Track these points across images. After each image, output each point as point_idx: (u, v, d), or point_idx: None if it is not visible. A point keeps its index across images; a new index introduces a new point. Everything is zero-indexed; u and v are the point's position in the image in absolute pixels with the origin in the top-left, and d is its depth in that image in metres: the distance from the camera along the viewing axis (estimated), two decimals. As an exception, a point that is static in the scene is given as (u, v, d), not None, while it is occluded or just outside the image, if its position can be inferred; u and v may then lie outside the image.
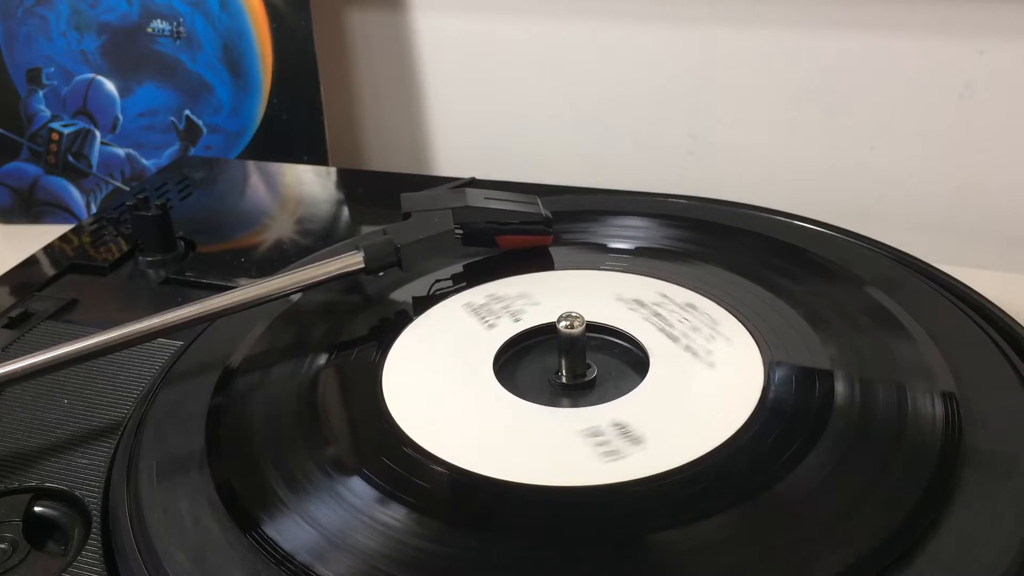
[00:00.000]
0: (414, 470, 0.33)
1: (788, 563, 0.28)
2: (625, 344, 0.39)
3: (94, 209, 0.70)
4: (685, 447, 0.33)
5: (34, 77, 0.68)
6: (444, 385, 0.37)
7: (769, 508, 0.30)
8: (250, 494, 0.33)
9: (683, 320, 0.40)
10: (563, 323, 0.37)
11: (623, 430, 0.34)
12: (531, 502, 0.31)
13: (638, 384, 0.36)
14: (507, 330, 0.40)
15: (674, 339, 0.38)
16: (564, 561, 0.29)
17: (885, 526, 0.29)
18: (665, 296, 0.41)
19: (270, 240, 0.54)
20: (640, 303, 0.41)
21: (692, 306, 0.41)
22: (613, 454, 0.33)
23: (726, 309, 0.40)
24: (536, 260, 0.45)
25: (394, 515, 0.31)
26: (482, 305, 0.42)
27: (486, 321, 0.41)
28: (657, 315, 0.40)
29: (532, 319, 0.40)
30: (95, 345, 0.38)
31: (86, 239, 0.55)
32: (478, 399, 0.36)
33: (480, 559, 0.29)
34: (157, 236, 0.52)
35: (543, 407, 0.36)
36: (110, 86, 0.68)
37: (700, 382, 0.36)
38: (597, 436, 0.34)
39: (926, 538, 0.29)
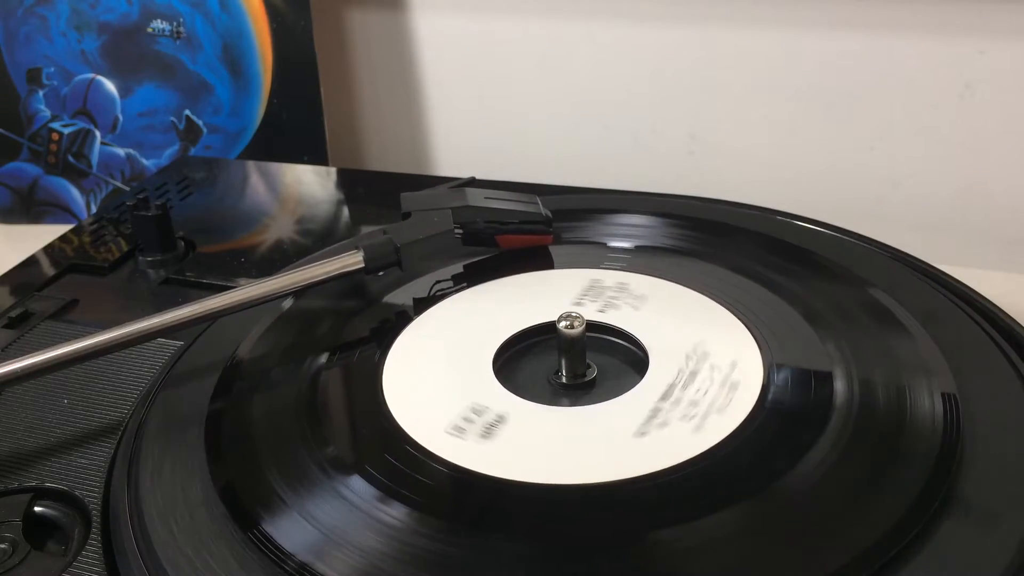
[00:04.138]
0: (414, 469, 0.33)
1: (787, 561, 0.28)
2: (625, 344, 0.39)
3: (94, 209, 0.70)
4: (685, 445, 0.33)
5: (34, 77, 0.68)
6: (445, 384, 0.37)
7: (768, 506, 0.30)
8: (251, 493, 0.33)
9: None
10: (563, 323, 0.37)
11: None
12: (531, 500, 0.31)
13: (638, 383, 0.36)
14: (507, 329, 0.40)
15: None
16: (564, 559, 0.29)
17: (884, 525, 0.29)
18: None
19: (270, 240, 0.54)
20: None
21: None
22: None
23: (726, 308, 0.40)
24: (536, 260, 0.45)
25: (395, 514, 0.31)
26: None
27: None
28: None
29: (531, 319, 0.40)
30: (95, 345, 0.38)
31: (86, 239, 0.55)
32: (479, 398, 0.36)
33: (480, 557, 0.29)
34: (157, 236, 0.52)
35: (543, 406, 0.36)
36: (110, 86, 0.68)
37: (700, 381, 0.36)
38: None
39: (925, 537, 0.29)
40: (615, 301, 0.41)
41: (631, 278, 0.43)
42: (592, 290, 0.42)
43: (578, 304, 0.41)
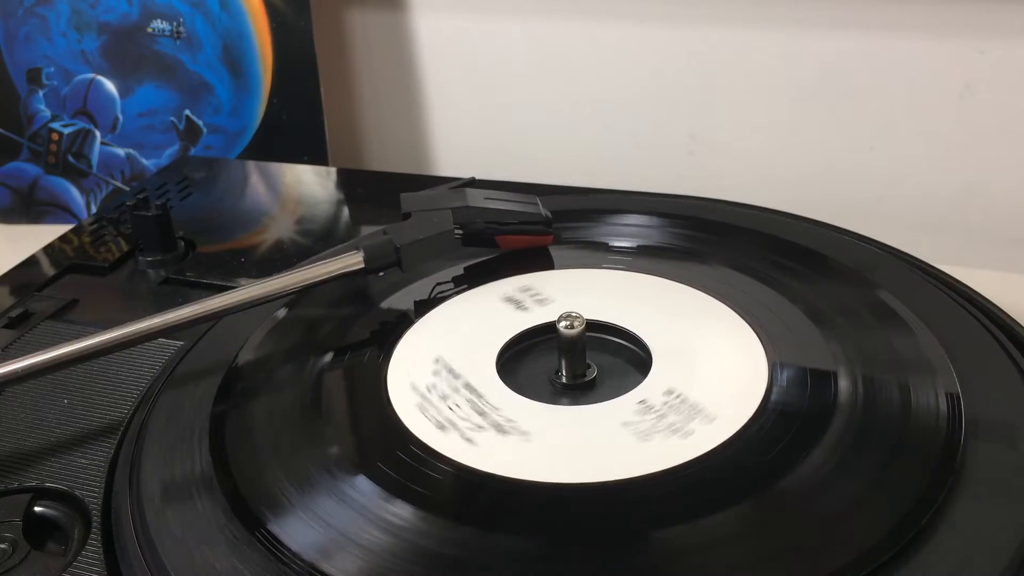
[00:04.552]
0: (420, 468, 0.33)
1: (791, 560, 0.28)
2: (627, 343, 0.39)
3: (94, 209, 0.70)
4: (688, 445, 0.33)
5: (34, 77, 0.68)
6: (447, 384, 0.37)
7: (771, 505, 0.30)
8: (255, 493, 0.32)
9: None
10: (563, 323, 0.37)
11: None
12: (535, 500, 0.31)
13: (640, 383, 0.36)
14: (510, 329, 0.40)
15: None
16: (568, 558, 0.29)
17: (887, 524, 0.29)
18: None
19: (270, 240, 0.54)
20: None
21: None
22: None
23: (729, 306, 0.40)
24: (536, 260, 0.45)
25: (400, 513, 0.31)
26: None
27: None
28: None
29: (539, 316, 0.40)
30: (95, 345, 0.38)
31: (86, 239, 0.55)
32: (481, 398, 0.36)
33: (486, 557, 0.29)
34: (157, 236, 0.52)
35: (545, 405, 0.36)
36: (110, 86, 0.68)
37: (702, 380, 0.36)
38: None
39: (928, 536, 0.29)
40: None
41: (632, 276, 0.43)
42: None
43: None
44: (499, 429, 0.34)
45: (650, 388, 0.36)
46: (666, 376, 0.36)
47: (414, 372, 0.38)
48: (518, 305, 0.41)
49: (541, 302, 0.41)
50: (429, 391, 0.37)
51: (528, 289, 0.43)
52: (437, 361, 0.38)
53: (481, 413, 0.35)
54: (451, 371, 0.38)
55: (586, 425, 0.35)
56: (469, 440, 0.34)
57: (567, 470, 0.32)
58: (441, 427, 0.35)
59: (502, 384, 0.37)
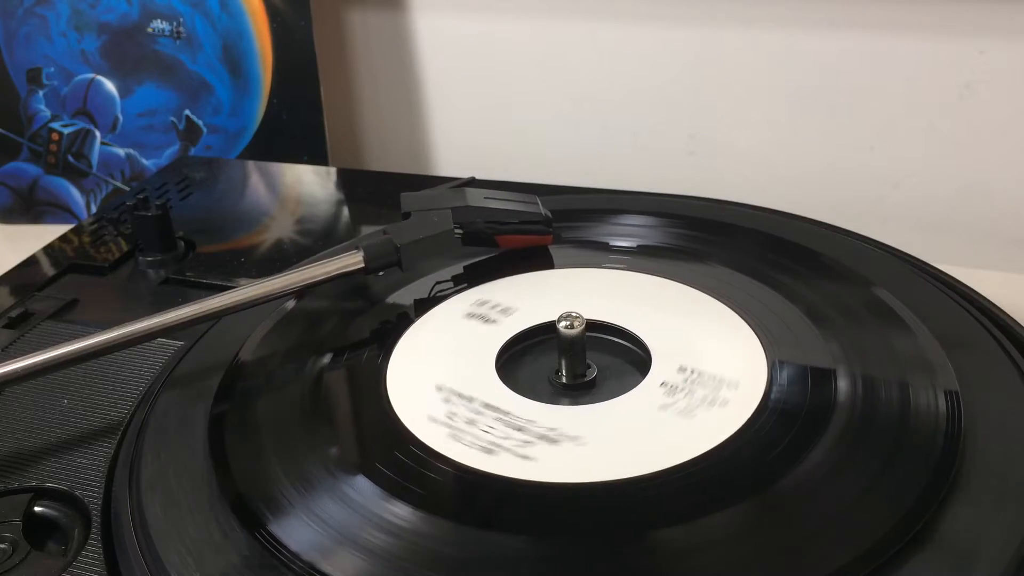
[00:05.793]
0: (420, 469, 0.33)
1: (790, 559, 0.28)
2: (627, 344, 0.39)
3: (94, 209, 0.70)
4: (687, 444, 0.33)
5: (34, 77, 0.68)
6: (447, 384, 0.37)
7: (772, 504, 0.30)
8: (256, 494, 0.32)
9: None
10: (563, 323, 0.37)
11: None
12: (535, 499, 0.31)
13: (639, 383, 0.36)
14: (509, 329, 0.40)
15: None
16: (568, 558, 0.29)
17: (886, 523, 0.29)
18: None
19: (270, 240, 0.54)
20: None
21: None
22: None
23: (728, 306, 0.40)
24: (536, 260, 0.45)
25: (400, 514, 0.31)
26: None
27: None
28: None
29: (532, 318, 0.40)
30: (95, 345, 0.38)
31: (86, 239, 0.55)
32: (482, 399, 0.36)
33: (485, 556, 0.29)
34: (157, 236, 0.52)
35: (545, 405, 0.36)
36: (110, 86, 0.68)
37: (704, 380, 0.36)
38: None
39: (927, 535, 0.29)
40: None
41: (633, 276, 0.43)
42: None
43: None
44: (548, 440, 0.34)
45: (650, 388, 0.36)
46: (666, 376, 0.36)
47: (422, 404, 0.36)
48: (484, 319, 0.41)
49: (505, 312, 0.41)
50: (452, 419, 0.35)
51: (485, 303, 0.42)
52: (440, 389, 0.37)
53: (519, 428, 0.35)
54: (460, 395, 0.37)
55: (626, 417, 0.34)
56: (525, 457, 0.33)
57: (565, 470, 0.32)
58: (488, 451, 0.34)
59: (518, 396, 0.36)
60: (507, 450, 0.33)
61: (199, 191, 0.60)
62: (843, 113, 0.60)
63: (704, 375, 0.36)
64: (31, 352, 0.37)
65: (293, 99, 0.67)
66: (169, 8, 0.66)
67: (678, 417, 0.34)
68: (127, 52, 0.67)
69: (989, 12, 0.54)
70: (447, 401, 0.36)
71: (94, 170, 0.69)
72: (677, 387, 0.36)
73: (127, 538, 0.32)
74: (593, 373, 0.38)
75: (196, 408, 0.37)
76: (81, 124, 0.68)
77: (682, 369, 0.36)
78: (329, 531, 0.30)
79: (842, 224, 0.47)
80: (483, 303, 0.42)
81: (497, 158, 0.70)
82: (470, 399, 0.36)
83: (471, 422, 0.35)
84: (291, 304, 0.44)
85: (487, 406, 0.36)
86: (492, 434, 0.34)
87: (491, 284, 0.44)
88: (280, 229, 0.55)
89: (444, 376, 0.38)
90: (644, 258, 0.45)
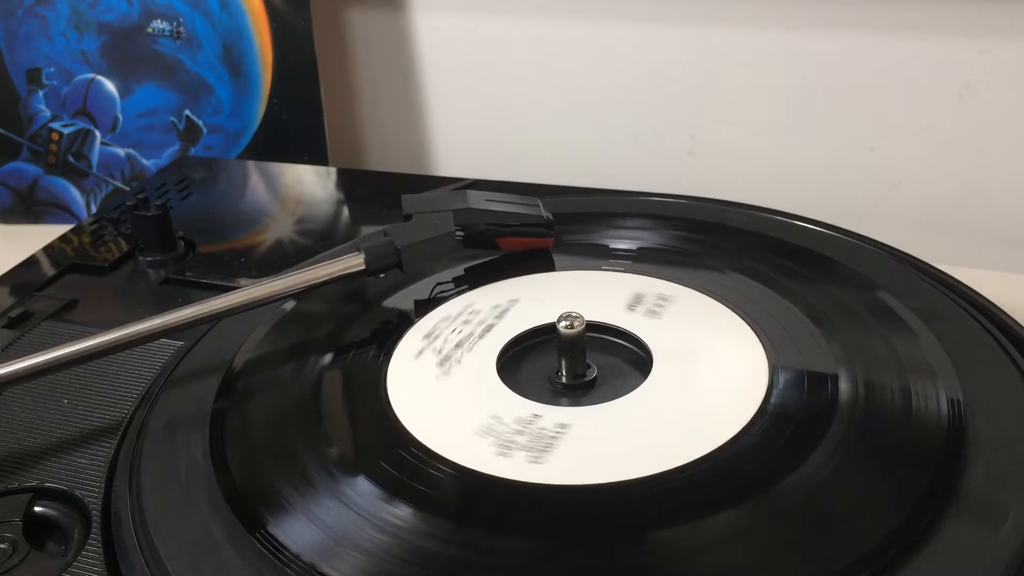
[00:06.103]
0: (420, 470, 0.33)
1: (792, 562, 0.28)
2: (628, 344, 0.39)
3: (94, 209, 0.70)
4: (689, 446, 0.33)
5: (34, 77, 0.68)
6: (448, 385, 0.37)
7: (773, 507, 0.30)
8: (254, 494, 0.32)
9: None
10: (563, 323, 0.37)
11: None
12: (536, 501, 0.31)
13: (640, 384, 0.36)
14: (509, 330, 0.40)
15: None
16: (568, 560, 0.29)
17: (888, 525, 0.29)
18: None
19: (270, 240, 0.54)
20: (640, 302, 0.41)
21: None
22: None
23: (729, 308, 0.40)
24: (537, 262, 0.45)
25: (401, 515, 0.31)
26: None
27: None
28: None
29: (532, 320, 0.40)
30: (95, 345, 0.38)
31: (86, 239, 0.55)
32: (483, 399, 0.36)
33: (486, 558, 0.29)
34: (157, 236, 0.52)
35: (545, 406, 0.36)
36: (110, 86, 0.68)
37: (703, 381, 0.36)
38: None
39: (928, 537, 0.29)
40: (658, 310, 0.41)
41: (633, 278, 0.43)
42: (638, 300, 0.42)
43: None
44: (548, 440, 0.34)
45: (651, 389, 0.36)
46: (667, 377, 0.36)
47: (414, 372, 0.38)
48: (442, 361, 0.39)
49: (504, 313, 0.41)
50: (430, 391, 0.37)
51: (431, 334, 0.40)
52: (437, 361, 0.38)
53: (519, 429, 0.35)
54: (452, 371, 0.38)
55: (626, 418, 0.35)
56: (525, 458, 0.33)
57: (566, 471, 0.32)
58: (443, 427, 0.34)
59: (518, 396, 0.36)
60: (507, 451, 0.33)
61: (199, 191, 0.60)
62: (843, 113, 0.60)
63: (704, 376, 0.36)
64: (31, 352, 0.37)
65: (293, 99, 0.67)
66: (169, 8, 0.66)
67: (679, 418, 0.34)
68: (127, 52, 0.67)
69: (989, 12, 0.54)
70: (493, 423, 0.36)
71: (94, 170, 0.69)
72: (677, 388, 0.36)
73: (127, 538, 0.32)
74: (593, 373, 0.38)
75: (196, 408, 0.37)
76: (81, 124, 0.68)
77: (683, 369, 0.36)
78: (329, 531, 0.30)
79: (842, 224, 0.47)
80: (484, 303, 0.42)
81: (497, 158, 0.70)
82: (529, 421, 0.36)
83: (471, 422, 0.35)
84: (291, 304, 0.44)
85: (487, 407, 0.36)
86: (492, 434, 0.34)
87: (491, 286, 0.44)
88: (280, 229, 0.55)
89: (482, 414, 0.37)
90: (645, 259, 0.45)
